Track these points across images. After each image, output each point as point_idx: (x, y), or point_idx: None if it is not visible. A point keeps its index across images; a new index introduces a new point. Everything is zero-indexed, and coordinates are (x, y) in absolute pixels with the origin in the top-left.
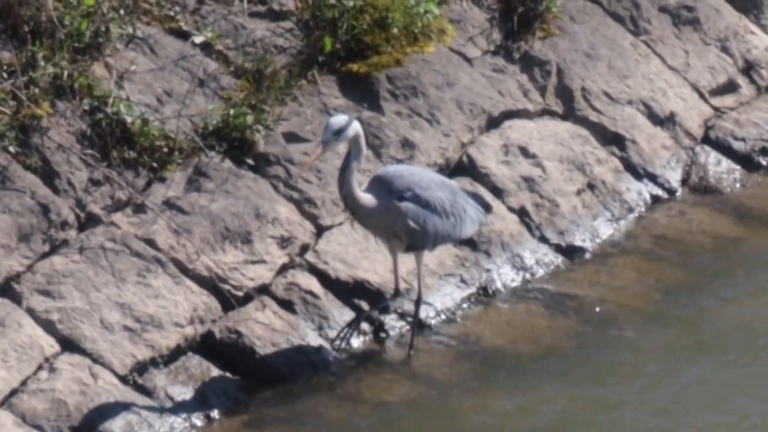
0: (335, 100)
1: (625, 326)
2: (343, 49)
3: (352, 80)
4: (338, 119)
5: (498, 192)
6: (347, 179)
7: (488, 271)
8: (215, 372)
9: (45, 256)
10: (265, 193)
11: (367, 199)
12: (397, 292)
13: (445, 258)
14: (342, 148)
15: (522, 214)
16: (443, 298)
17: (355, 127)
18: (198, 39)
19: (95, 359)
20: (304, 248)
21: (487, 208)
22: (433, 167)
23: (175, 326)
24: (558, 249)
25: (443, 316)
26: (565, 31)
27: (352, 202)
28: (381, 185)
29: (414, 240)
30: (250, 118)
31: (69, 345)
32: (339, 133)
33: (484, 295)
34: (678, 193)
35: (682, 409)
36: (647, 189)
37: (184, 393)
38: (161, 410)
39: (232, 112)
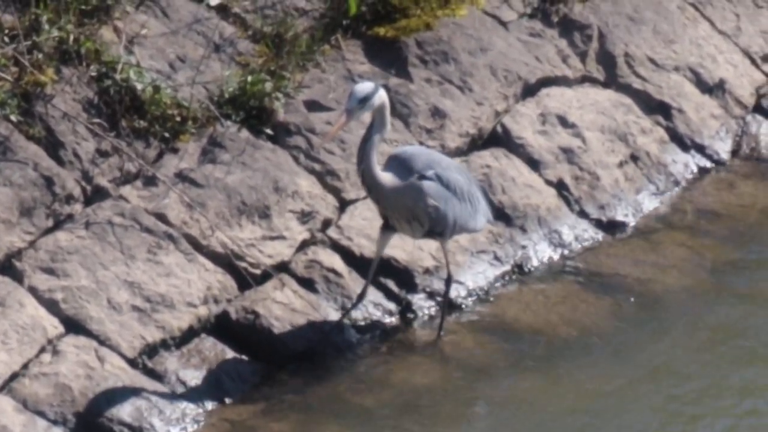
0: (360, 67)
1: (670, 306)
2: (369, 12)
3: (379, 45)
4: (364, 86)
5: (535, 164)
6: (368, 154)
7: (524, 247)
8: (230, 355)
9: (48, 231)
10: (284, 164)
11: (387, 178)
12: (363, 293)
13: (477, 234)
14: (366, 117)
15: (560, 187)
16: (475, 277)
17: (382, 95)
18: (213, 1)
19: (102, 341)
20: (326, 223)
21: (494, 206)
22: (465, 137)
23: (187, 306)
24: (598, 224)
25: (475, 296)
26: None
27: (370, 179)
28: (400, 164)
29: (435, 224)
30: (269, 86)
31: (74, 326)
32: (364, 101)
33: (520, 273)
34: (727, 165)
35: (728, 394)
36: (694, 160)
37: (196, 377)
38: (172, 395)
39: (249, 78)
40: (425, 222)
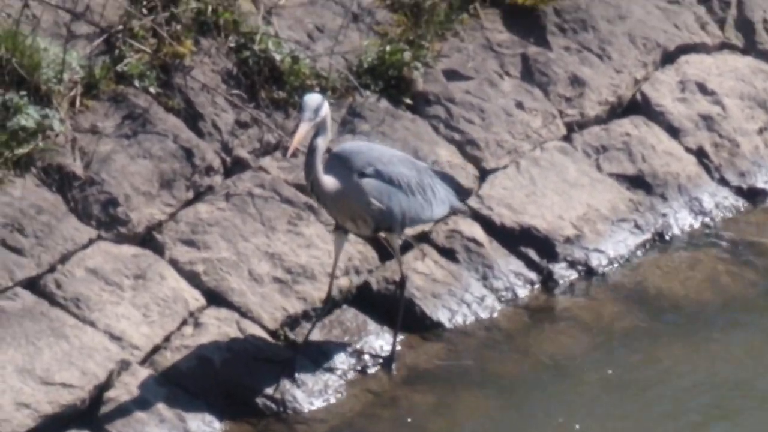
0: (499, 35)
1: None
2: None
3: (517, 13)
4: (314, 97)
5: (674, 131)
6: (314, 164)
7: (664, 215)
8: (372, 326)
9: (189, 203)
10: (424, 134)
11: (330, 182)
12: (328, 299)
13: (617, 202)
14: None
15: (700, 154)
16: (616, 245)
17: (326, 105)
18: None
19: (243, 313)
20: (467, 193)
21: (462, 191)
22: (604, 105)
23: (329, 277)
24: (739, 192)
25: (616, 264)
26: None
27: (317, 187)
28: (339, 163)
29: (380, 221)
30: (407, 55)
31: (215, 298)
32: (317, 110)
33: (660, 241)
34: None
35: None
36: None
37: (338, 348)
38: (314, 367)
39: (388, 48)
40: (369, 220)
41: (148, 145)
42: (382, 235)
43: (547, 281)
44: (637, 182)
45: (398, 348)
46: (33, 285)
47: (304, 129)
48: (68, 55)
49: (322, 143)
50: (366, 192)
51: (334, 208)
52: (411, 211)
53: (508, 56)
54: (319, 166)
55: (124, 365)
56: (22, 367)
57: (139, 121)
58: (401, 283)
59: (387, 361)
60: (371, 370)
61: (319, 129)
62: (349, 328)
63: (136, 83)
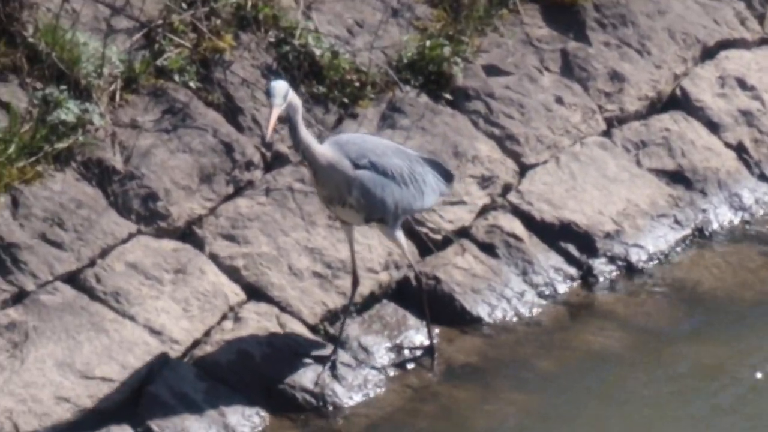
0: (538, 31)
1: None
2: None
3: (557, 8)
4: (280, 83)
5: (714, 126)
6: (297, 133)
7: (704, 211)
8: (411, 320)
9: (229, 198)
10: (464, 129)
11: (326, 149)
12: (356, 282)
13: (657, 197)
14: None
15: (740, 150)
16: (656, 241)
17: (292, 92)
18: None
19: (283, 308)
20: (507, 188)
21: (448, 177)
22: (644, 101)
23: (368, 272)
24: None
25: (656, 260)
26: None
27: (309, 154)
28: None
29: (371, 211)
30: (447, 50)
31: (255, 293)
32: (285, 96)
33: (700, 237)
34: None
35: None
36: None
37: (378, 343)
38: (354, 362)
39: (428, 43)
40: (360, 210)
41: (188, 140)
42: (374, 225)
43: (587, 277)
44: (677, 177)
45: (438, 342)
46: (73, 279)
47: (276, 113)
48: (108, 50)
49: (299, 119)
50: (359, 183)
51: (327, 179)
52: (403, 202)
53: (547, 51)
54: (305, 134)
55: (164, 359)
56: (62, 361)
57: (179, 115)
58: (417, 278)
59: (427, 356)
60: (411, 365)
61: (290, 112)
62: (389, 323)
63: (176, 78)
